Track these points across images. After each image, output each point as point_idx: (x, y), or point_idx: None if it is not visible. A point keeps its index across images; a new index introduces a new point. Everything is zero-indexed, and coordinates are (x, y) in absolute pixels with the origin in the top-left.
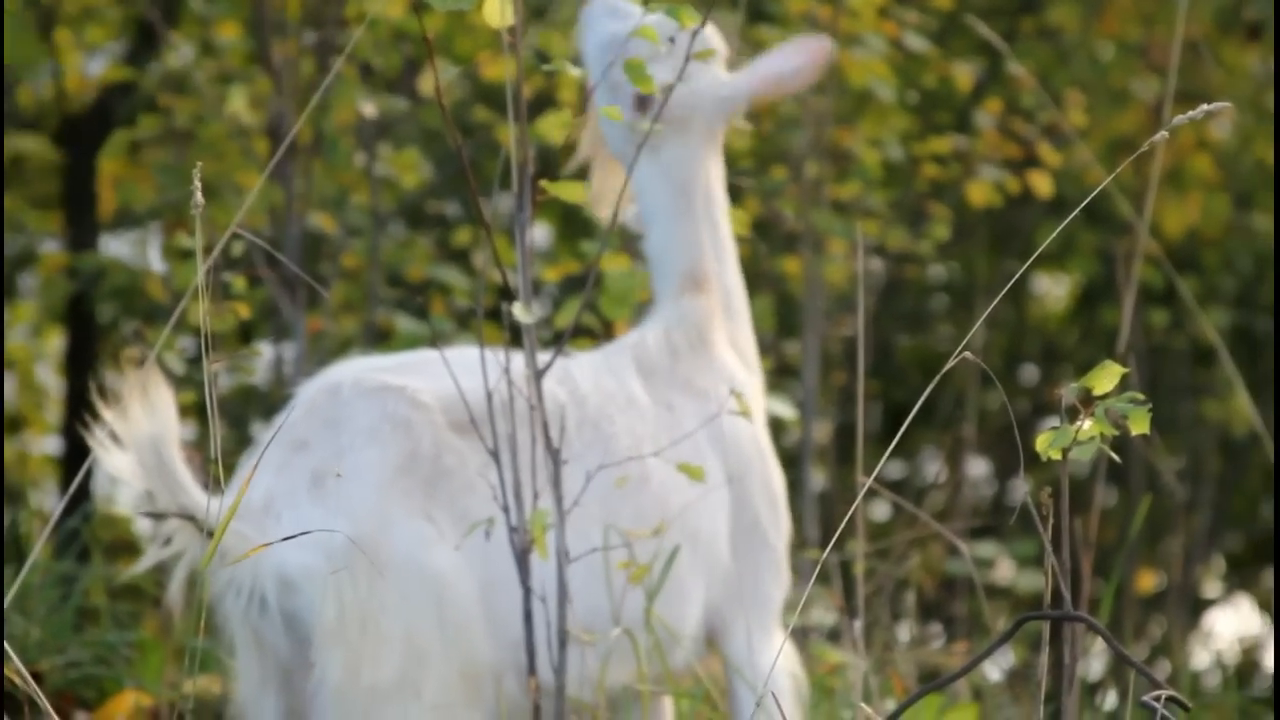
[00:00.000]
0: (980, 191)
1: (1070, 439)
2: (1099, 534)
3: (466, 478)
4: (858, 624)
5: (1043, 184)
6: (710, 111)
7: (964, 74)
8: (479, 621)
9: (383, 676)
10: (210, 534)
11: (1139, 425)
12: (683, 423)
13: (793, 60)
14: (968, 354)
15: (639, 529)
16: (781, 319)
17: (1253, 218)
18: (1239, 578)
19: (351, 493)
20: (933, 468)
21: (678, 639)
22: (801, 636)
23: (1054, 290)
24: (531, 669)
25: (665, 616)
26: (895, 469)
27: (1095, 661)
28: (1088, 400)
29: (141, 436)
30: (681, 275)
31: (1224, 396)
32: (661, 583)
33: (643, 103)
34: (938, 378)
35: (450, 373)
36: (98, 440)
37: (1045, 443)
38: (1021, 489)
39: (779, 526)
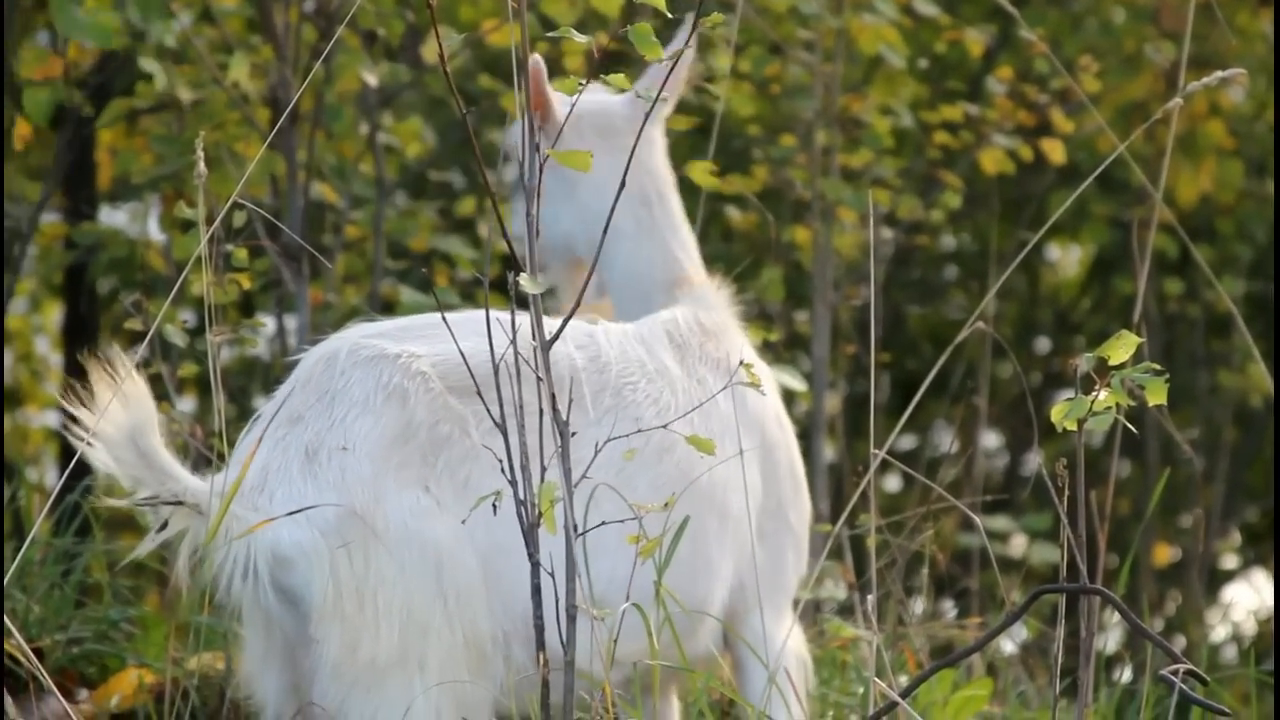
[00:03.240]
0: (992, 159)
1: (1086, 410)
2: (1114, 506)
3: (466, 445)
4: (870, 598)
5: (1055, 151)
6: (630, 115)
7: (975, 40)
8: (481, 591)
9: (382, 650)
10: (208, 512)
11: (1156, 395)
12: (715, 400)
13: (674, 46)
14: (980, 324)
15: (657, 499)
16: (791, 289)
17: (1267, 184)
18: (1256, 551)
19: (345, 465)
20: (945, 439)
21: (697, 616)
22: (814, 611)
23: (1067, 259)
24: (540, 644)
25: (691, 593)
26: (907, 441)
27: (1111, 635)
28: (1103, 371)
29: (119, 430)
30: (662, 284)
31: (1240, 366)
32: (671, 555)
33: (544, 128)
34: (950, 348)
35: (452, 335)
36: (78, 437)
37: (1061, 414)
38: (1035, 461)
39: (800, 509)
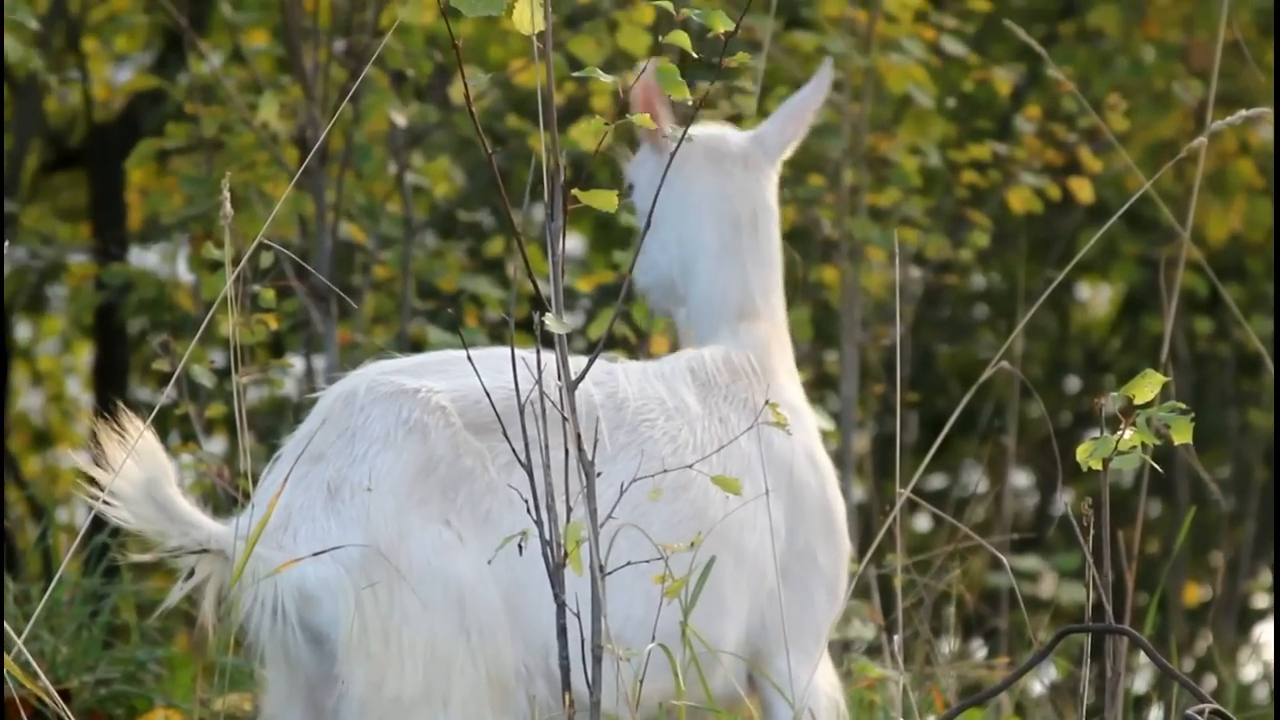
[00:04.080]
0: (1020, 198)
1: (1111, 449)
2: (1144, 546)
3: (487, 480)
4: (897, 638)
5: (1083, 190)
6: (747, 148)
7: (1004, 79)
8: (504, 626)
9: (407, 687)
10: (232, 555)
11: (1181, 434)
12: (738, 439)
13: (807, 90)
14: (1004, 363)
15: (672, 537)
16: (819, 328)
17: None
18: None
19: (367, 502)
20: (974, 479)
21: (716, 656)
22: (841, 651)
23: (1097, 299)
24: (566, 684)
25: (704, 632)
26: (937, 480)
27: (1142, 676)
28: (1129, 410)
29: (134, 487)
30: (734, 310)
31: (1270, 405)
32: (697, 596)
33: (657, 141)
34: (975, 386)
35: (475, 369)
36: (98, 499)
37: (1086, 452)
38: (1065, 501)
39: (835, 552)
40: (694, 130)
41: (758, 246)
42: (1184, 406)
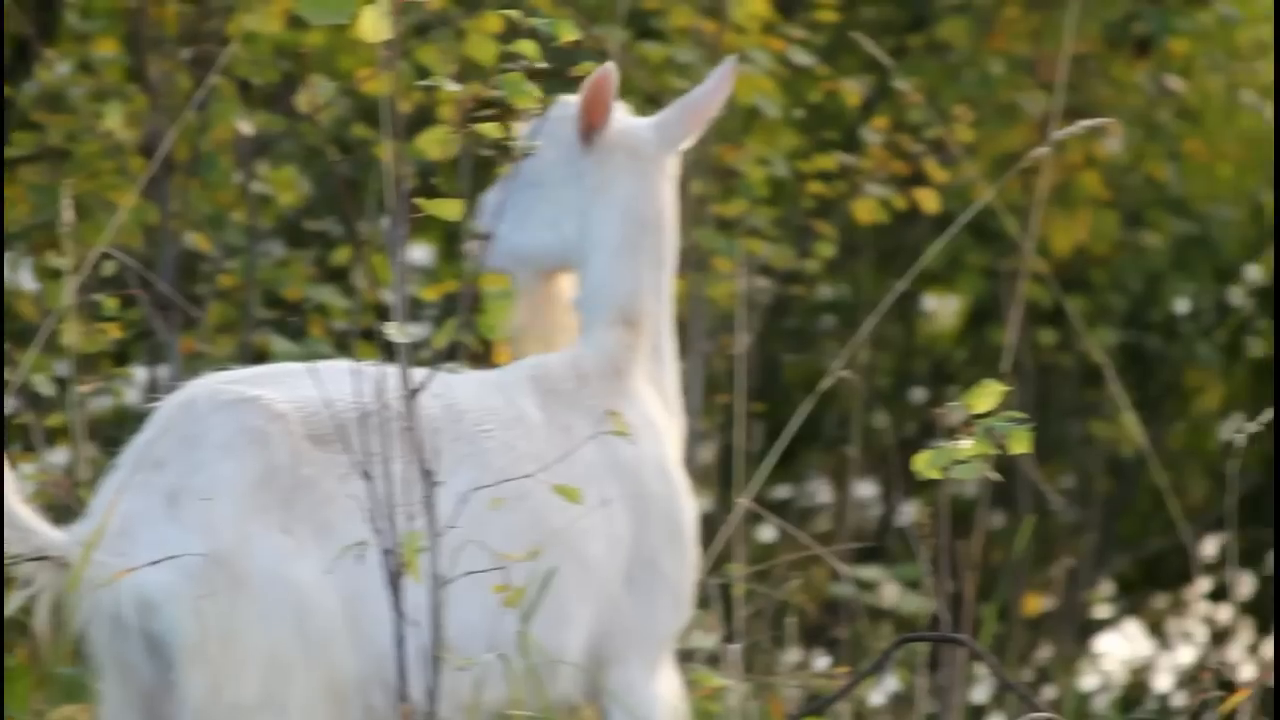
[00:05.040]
0: (867, 209)
1: (949, 458)
2: (989, 556)
3: (327, 489)
4: (735, 647)
5: (929, 201)
6: (654, 141)
7: (852, 91)
8: (343, 635)
9: (245, 694)
10: (70, 564)
11: (1019, 444)
12: (578, 446)
13: (709, 85)
14: (843, 372)
15: (511, 547)
16: None
17: (1142, 235)
18: (1129, 600)
19: (208, 510)
20: (820, 489)
21: (556, 664)
22: (681, 661)
23: (944, 310)
24: (403, 695)
25: (545, 640)
26: (782, 491)
27: (983, 686)
28: (970, 420)
29: None
30: (614, 310)
31: (1112, 417)
32: (537, 605)
33: (587, 136)
34: (814, 395)
35: (313, 382)
36: None
37: (924, 462)
38: (906, 511)
39: (681, 561)
40: (617, 122)
41: (657, 246)
42: (1022, 416)
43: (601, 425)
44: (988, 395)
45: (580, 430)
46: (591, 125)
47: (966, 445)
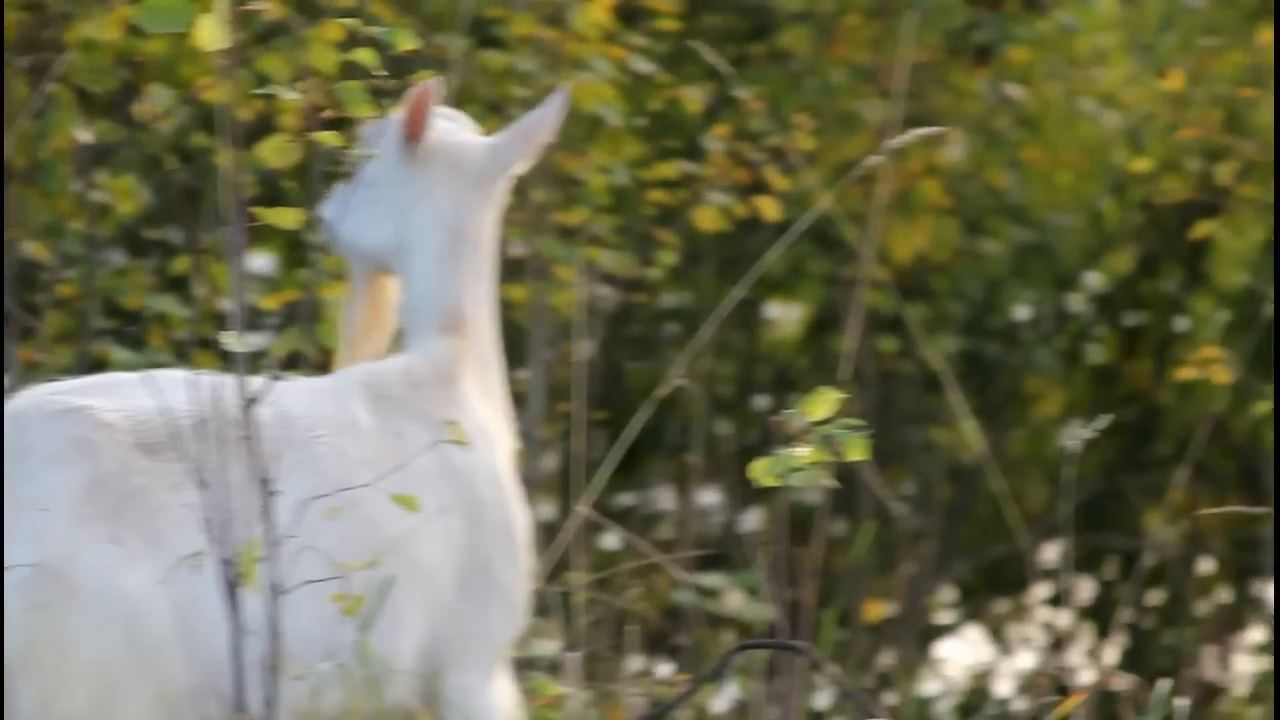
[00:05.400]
0: (708, 217)
1: (787, 466)
2: (831, 563)
3: (158, 498)
4: (578, 655)
5: (770, 209)
6: (483, 160)
7: (693, 98)
8: (174, 645)
9: (76, 706)
10: None
11: (856, 452)
12: (411, 452)
13: (543, 111)
14: (680, 380)
15: (345, 554)
16: (508, 347)
17: (981, 242)
18: (970, 607)
19: (36, 519)
20: (662, 497)
21: (390, 672)
22: (522, 669)
23: (787, 317)
24: (240, 706)
25: (380, 646)
26: (627, 498)
27: (825, 692)
28: (809, 427)
29: None
30: (439, 317)
31: (951, 423)
32: (374, 613)
33: (408, 146)
34: (653, 402)
35: (142, 391)
36: None
37: (761, 470)
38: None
39: (515, 566)
40: (441, 135)
41: (477, 258)
42: (860, 423)
43: (434, 430)
44: (825, 402)
45: (412, 436)
46: (411, 136)
47: (804, 453)
